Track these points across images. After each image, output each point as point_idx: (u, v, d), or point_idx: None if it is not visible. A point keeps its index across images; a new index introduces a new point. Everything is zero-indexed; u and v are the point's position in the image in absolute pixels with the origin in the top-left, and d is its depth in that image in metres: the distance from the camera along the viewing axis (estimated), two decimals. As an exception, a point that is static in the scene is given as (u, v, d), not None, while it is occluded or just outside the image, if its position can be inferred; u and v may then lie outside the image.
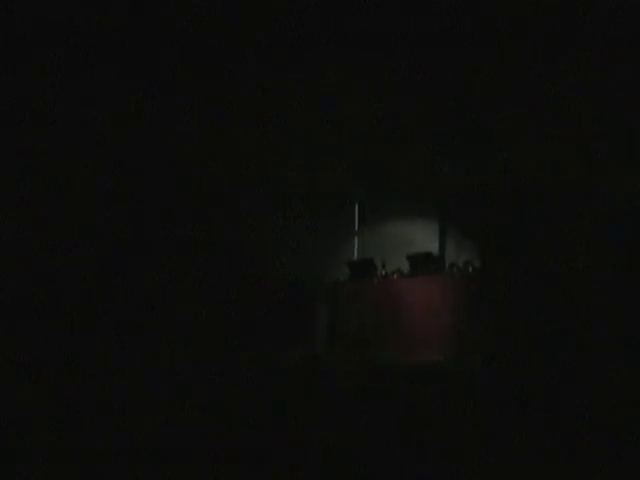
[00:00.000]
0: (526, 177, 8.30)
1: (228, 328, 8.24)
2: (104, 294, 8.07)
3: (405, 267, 8.96)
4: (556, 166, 7.85)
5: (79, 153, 8.45)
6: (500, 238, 8.38)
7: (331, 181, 10.22)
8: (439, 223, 10.02)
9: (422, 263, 8.72)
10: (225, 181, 9.74)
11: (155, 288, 8.37)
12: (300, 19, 7.80)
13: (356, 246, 10.48)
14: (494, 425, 4.29)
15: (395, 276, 8.92)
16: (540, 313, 6.85)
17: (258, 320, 8.64)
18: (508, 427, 4.20)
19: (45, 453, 3.63)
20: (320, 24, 7.84)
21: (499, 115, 8.74)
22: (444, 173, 9.84)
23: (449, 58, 8.18)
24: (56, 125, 8.29)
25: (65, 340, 6.95)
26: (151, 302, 8.20)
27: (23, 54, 7.90)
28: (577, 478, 3.30)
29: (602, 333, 6.16)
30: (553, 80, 8.00)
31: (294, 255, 9.83)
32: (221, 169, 9.65)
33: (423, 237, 9.82)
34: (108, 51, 8.19)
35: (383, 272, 9.10)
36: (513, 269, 7.48)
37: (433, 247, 9.58)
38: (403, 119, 9.39)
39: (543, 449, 3.66)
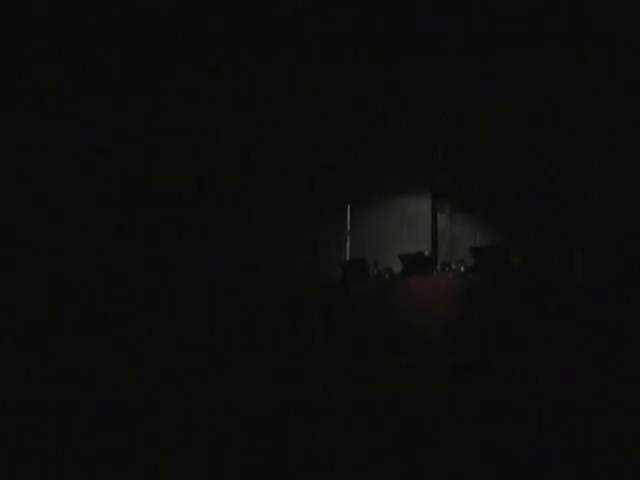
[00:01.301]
0: (521, 179, 8.37)
1: (222, 331, 8.22)
2: (104, 292, 8.04)
3: (397, 267, 8.98)
4: (555, 167, 7.91)
5: (79, 152, 8.43)
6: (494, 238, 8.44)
7: (324, 182, 10.25)
8: (432, 222, 10.07)
9: (414, 263, 8.73)
10: (218, 184, 9.76)
11: (151, 290, 8.36)
12: (301, 21, 7.81)
13: (348, 246, 10.51)
14: (491, 425, 4.30)
15: (387, 276, 8.93)
16: (532, 313, 6.91)
17: (251, 322, 8.62)
18: (504, 427, 4.22)
19: (44, 453, 3.61)
20: (321, 26, 7.86)
21: (496, 118, 8.82)
22: (437, 172, 9.90)
23: (447, 58, 8.22)
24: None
25: (66, 339, 6.92)
26: (148, 303, 8.19)
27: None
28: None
29: (596, 335, 6.21)
30: (553, 86, 8.06)
31: (287, 256, 9.84)
32: (216, 173, 9.66)
33: (415, 237, 9.87)
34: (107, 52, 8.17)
35: (375, 272, 9.12)
36: (507, 269, 7.54)
37: (425, 246, 9.62)
38: (397, 119, 9.43)
39: (536, 451, 3.68)
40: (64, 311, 7.49)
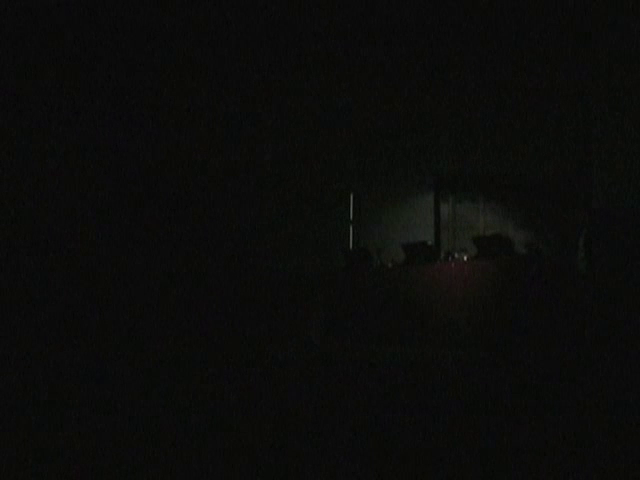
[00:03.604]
0: (524, 171, 8.36)
1: (226, 319, 8.26)
2: (108, 289, 8.08)
3: (400, 256, 9.00)
4: (555, 161, 7.91)
5: (76, 151, 8.44)
6: (497, 227, 8.43)
7: (328, 171, 10.26)
8: (435, 212, 10.09)
9: (417, 252, 8.73)
10: (225, 173, 9.79)
11: (155, 281, 8.40)
12: (302, 19, 7.81)
13: (352, 235, 10.53)
14: (491, 414, 4.31)
15: (390, 265, 8.95)
16: (536, 301, 6.92)
17: (256, 310, 8.66)
18: (506, 415, 4.23)
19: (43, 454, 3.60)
20: (321, 25, 7.86)
21: (497, 111, 8.82)
22: (441, 163, 9.92)
23: (448, 54, 8.22)
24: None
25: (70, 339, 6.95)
26: (150, 294, 8.22)
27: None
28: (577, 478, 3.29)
29: (598, 321, 6.23)
30: (554, 80, 8.05)
31: (291, 245, 9.87)
32: (223, 162, 9.69)
33: (418, 226, 9.89)
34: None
35: (378, 261, 9.13)
36: (509, 258, 7.55)
37: (429, 236, 9.65)
38: (400, 110, 9.44)
39: (541, 444, 3.67)
40: (63, 310, 7.52)
